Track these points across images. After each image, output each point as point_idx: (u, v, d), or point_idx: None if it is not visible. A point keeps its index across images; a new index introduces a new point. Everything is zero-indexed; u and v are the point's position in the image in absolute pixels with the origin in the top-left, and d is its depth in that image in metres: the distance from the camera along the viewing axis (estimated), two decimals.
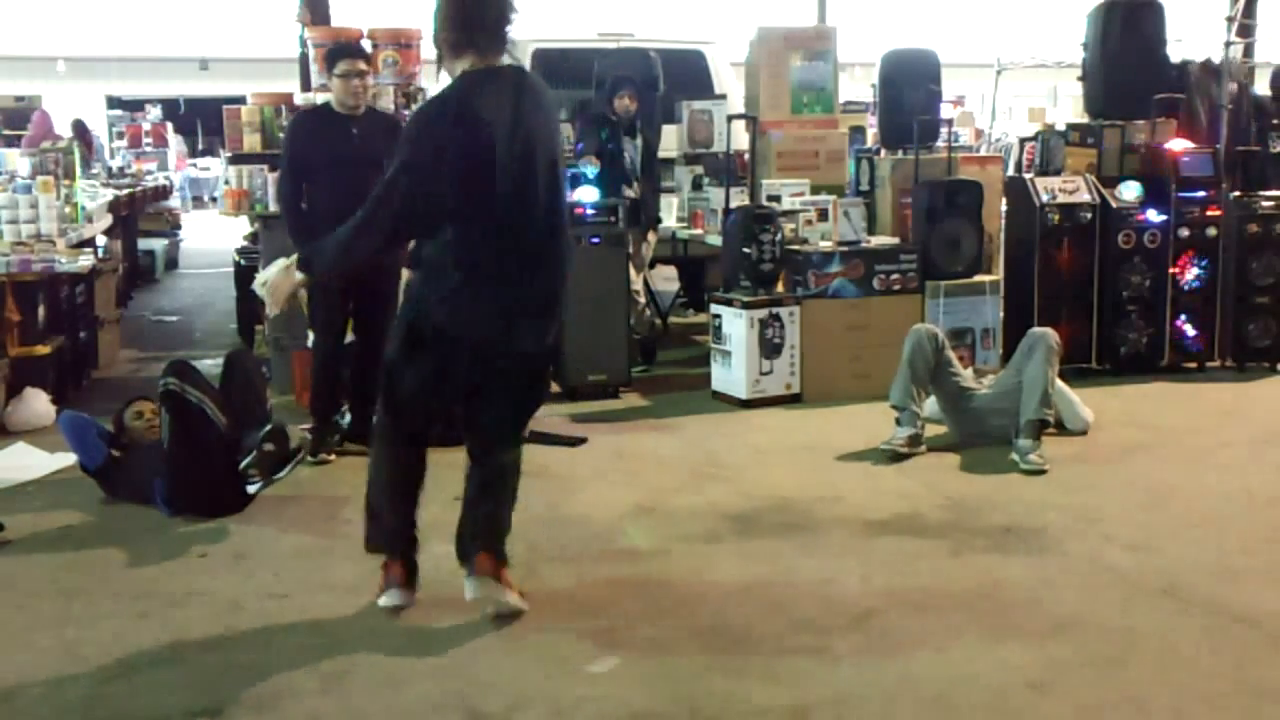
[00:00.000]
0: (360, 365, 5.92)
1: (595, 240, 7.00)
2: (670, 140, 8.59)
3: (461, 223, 3.74)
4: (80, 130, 13.12)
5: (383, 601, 3.97)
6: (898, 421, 5.82)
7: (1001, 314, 7.35)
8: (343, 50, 5.86)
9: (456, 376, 3.87)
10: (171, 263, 14.35)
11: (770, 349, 6.83)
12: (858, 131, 11.16)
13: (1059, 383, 5.98)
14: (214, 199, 22.69)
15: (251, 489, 5.03)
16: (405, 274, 4.07)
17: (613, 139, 7.66)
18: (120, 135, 23.81)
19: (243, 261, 8.73)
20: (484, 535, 3.92)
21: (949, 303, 7.09)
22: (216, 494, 4.99)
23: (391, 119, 6.09)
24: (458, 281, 3.76)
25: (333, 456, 5.83)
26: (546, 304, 3.86)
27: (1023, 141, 12.57)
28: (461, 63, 3.76)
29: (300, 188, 5.74)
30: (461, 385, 3.90)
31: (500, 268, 3.76)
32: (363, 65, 5.79)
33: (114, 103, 26.99)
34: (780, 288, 7.00)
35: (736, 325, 6.81)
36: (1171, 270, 7.39)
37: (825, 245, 7.08)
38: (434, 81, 7.76)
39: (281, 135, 6.79)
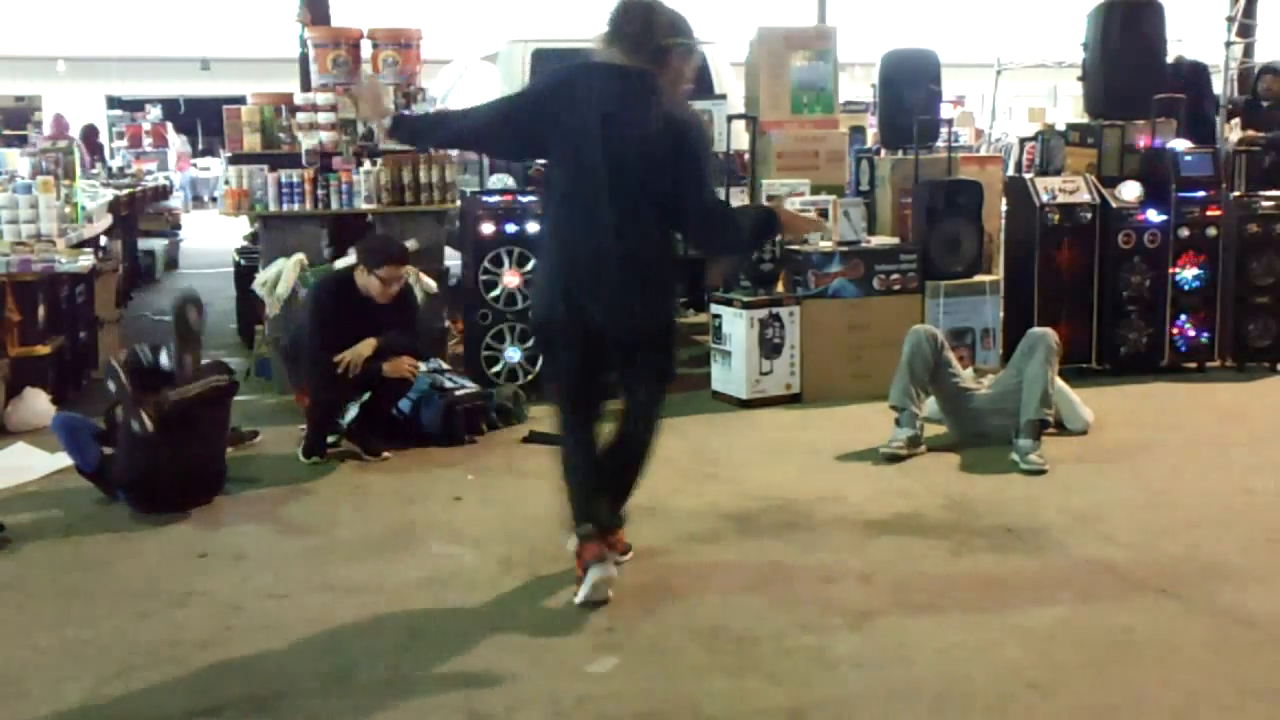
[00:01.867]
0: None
1: None
2: None
3: (550, 193, 4.15)
4: (89, 135, 13.15)
5: (585, 592, 3.98)
6: (897, 422, 5.82)
7: (1001, 314, 7.35)
8: (390, 255, 5.76)
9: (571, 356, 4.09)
10: (171, 263, 14.34)
11: (770, 349, 6.83)
12: (858, 131, 11.15)
13: (1059, 383, 5.98)
14: (214, 199, 22.68)
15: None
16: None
17: None
18: (120, 135, 23.83)
19: (243, 261, 8.73)
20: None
21: (949, 303, 7.09)
22: (154, 491, 5.00)
23: (404, 291, 5.94)
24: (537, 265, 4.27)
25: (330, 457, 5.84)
26: (607, 286, 3.95)
27: (1023, 141, 12.58)
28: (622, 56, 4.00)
29: (329, 349, 5.73)
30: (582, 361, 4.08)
31: (563, 245, 4.03)
32: (404, 271, 5.82)
33: (114, 103, 26.99)
34: (780, 288, 7.00)
35: (736, 325, 6.81)
36: (1171, 270, 7.40)
37: (825, 245, 7.08)
38: (433, 80, 7.75)
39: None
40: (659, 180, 3.95)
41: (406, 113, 4.43)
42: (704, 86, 9.22)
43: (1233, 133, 8.95)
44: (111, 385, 5.07)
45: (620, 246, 3.94)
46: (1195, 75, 9.32)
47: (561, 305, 4.01)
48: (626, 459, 4.21)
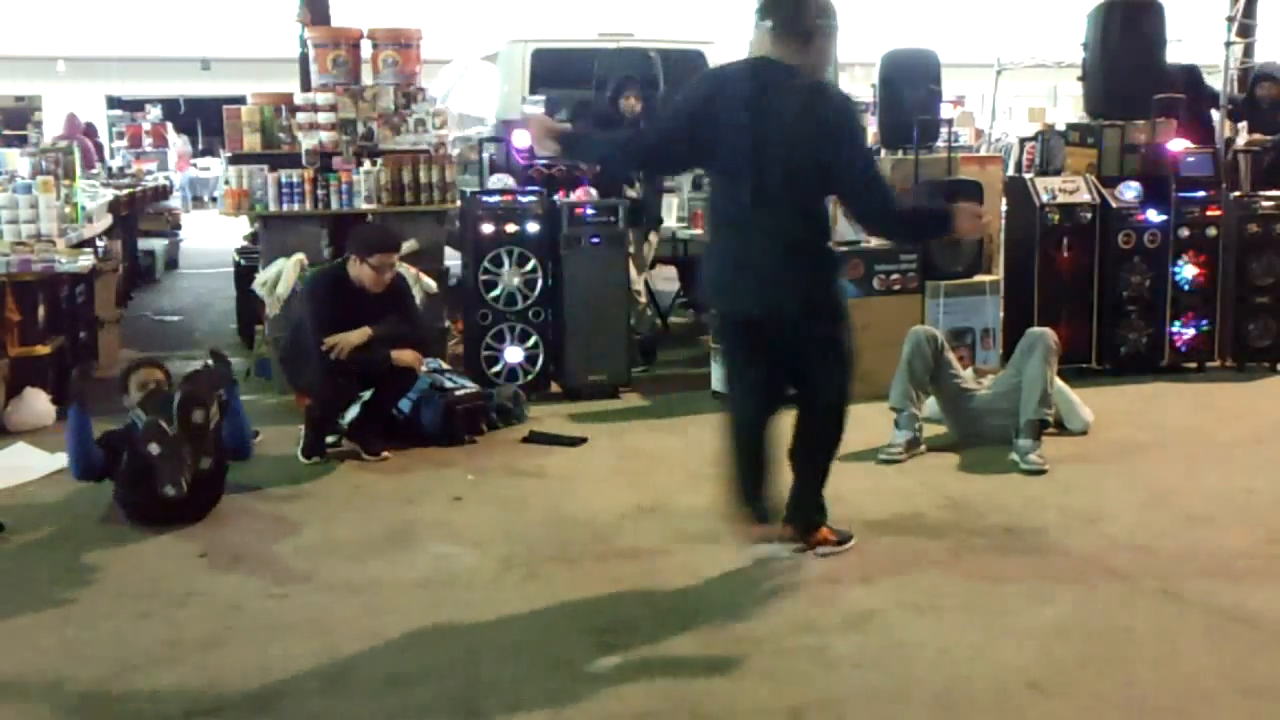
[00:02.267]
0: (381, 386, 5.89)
1: (595, 240, 7.00)
2: None
3: (712, 189, 4.38)
4: (87, 134, 13.15)
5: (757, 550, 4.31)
6: (896, 424, 5.82)
7: (1001, 314, 7.34)
8: (381, 243, 5.81)
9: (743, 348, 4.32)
10: (171, 263, 14.34)
11: None
12: None
13: (1059, 383, 5.98)
14: (214, 199, 22.69)
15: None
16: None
17: None
18: (120, 135, 23.81)
19: (243, 261, 8.73)
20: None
21: (949, 303, 7.09)
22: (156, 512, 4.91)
23: (398, 282, 5.96)
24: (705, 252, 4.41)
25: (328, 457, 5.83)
26: (760, 270, 4.15)
27: (1023, 141, 12.55)
28: (772, 47, 4.17)
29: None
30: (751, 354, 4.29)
31: (726, 235, 4.26)
32: (395, 259, 5.87)
33: (114, 103, 26.97)
34: None
35: None
36: (1171, 269, 7.40)
37: None
38: (433, 80, 7.75)
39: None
40: (809, 166, 4.09)
41: (573, 132, 4.72)
42: None
43: (1240, 137, 8.95)
44: (155, 448, 4.82)
45: (773, 234, 4.11)
46: (1188, 80, 9.30)
47: (724, 294, 4.28)
48: (816, 449, 4.45)
